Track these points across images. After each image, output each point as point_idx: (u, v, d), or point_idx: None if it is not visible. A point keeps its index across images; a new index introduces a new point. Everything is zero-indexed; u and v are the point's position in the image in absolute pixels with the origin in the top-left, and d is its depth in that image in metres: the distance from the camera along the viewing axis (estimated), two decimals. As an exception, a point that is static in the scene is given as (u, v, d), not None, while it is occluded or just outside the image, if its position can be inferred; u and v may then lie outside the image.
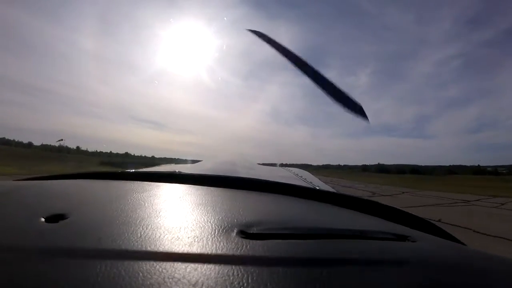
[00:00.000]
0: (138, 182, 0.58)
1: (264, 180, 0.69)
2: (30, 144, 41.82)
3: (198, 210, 0.37)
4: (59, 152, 35.07)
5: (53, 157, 26.08)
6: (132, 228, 0.28)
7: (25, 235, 0.27)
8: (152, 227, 0.29)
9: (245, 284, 0.20)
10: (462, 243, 0.47)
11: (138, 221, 0.31)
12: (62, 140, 34.45)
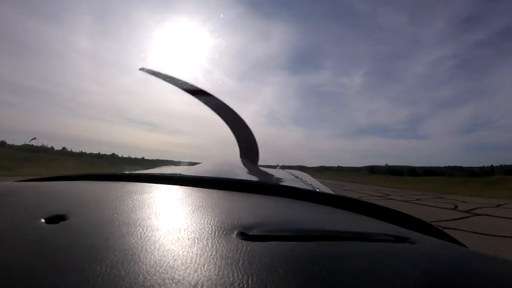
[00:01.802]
0: (138, 183, 0.57)
1: (263, 182, 0.71)
2: (3, 144, 37.80)
3: (198, 212, 0.36)
4: (36, 153, 30.95)
5: (16, 158, 21.88)
6: (132, 229, 0.28)
7: (25, 236, 0.26)
8: (152, 228, 0.29)
9: (245, 286, 0.20)
10: (463, 245, 0.46)
11: (138, 222, 0.31)
12: (35, 138, 30.22)
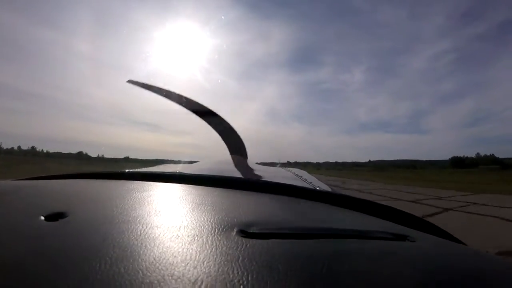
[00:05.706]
0: (138, 182, 0.58)
1: (263, 180, 0.71)
2: None
3: (197, 209, 0.37)
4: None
5: None
6: (132, 227, 0.29)
7: (25, 234, 0.27)
8: (152, 225, 0.29)
9: (244, 283, 0.20)
10: (462, 243, 0.46)
11: (137, 219, 0.31)
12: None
